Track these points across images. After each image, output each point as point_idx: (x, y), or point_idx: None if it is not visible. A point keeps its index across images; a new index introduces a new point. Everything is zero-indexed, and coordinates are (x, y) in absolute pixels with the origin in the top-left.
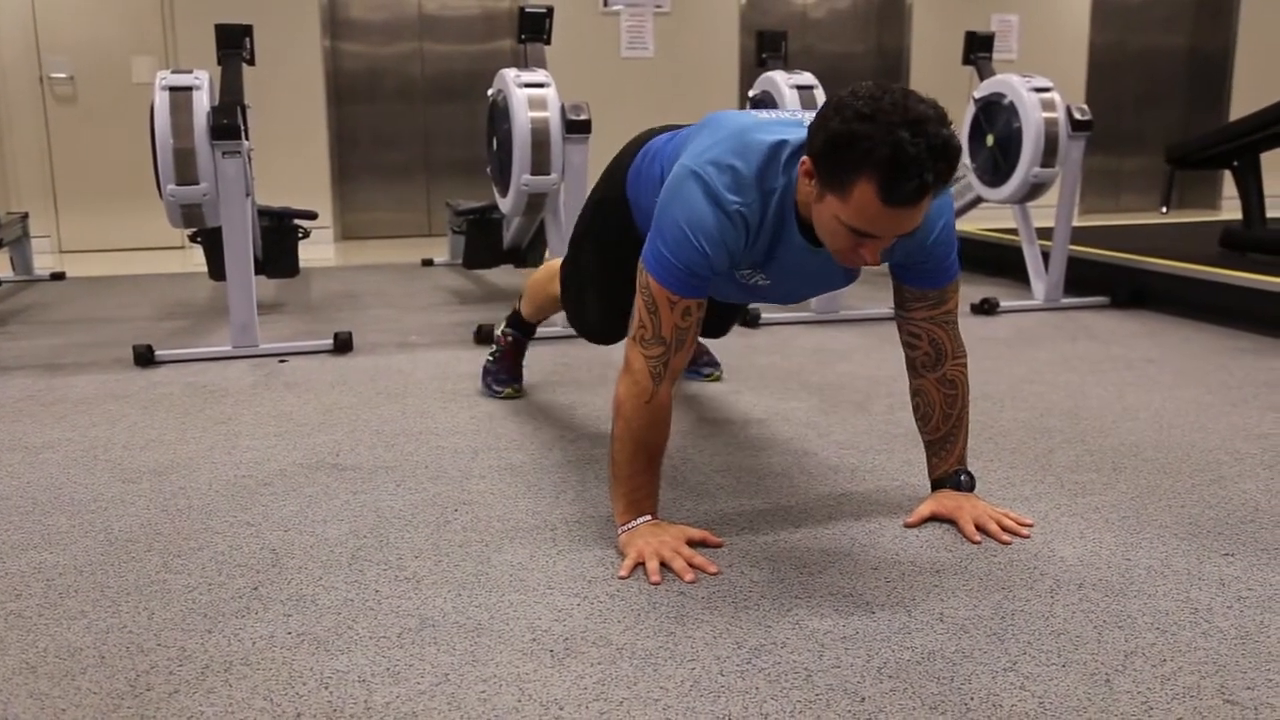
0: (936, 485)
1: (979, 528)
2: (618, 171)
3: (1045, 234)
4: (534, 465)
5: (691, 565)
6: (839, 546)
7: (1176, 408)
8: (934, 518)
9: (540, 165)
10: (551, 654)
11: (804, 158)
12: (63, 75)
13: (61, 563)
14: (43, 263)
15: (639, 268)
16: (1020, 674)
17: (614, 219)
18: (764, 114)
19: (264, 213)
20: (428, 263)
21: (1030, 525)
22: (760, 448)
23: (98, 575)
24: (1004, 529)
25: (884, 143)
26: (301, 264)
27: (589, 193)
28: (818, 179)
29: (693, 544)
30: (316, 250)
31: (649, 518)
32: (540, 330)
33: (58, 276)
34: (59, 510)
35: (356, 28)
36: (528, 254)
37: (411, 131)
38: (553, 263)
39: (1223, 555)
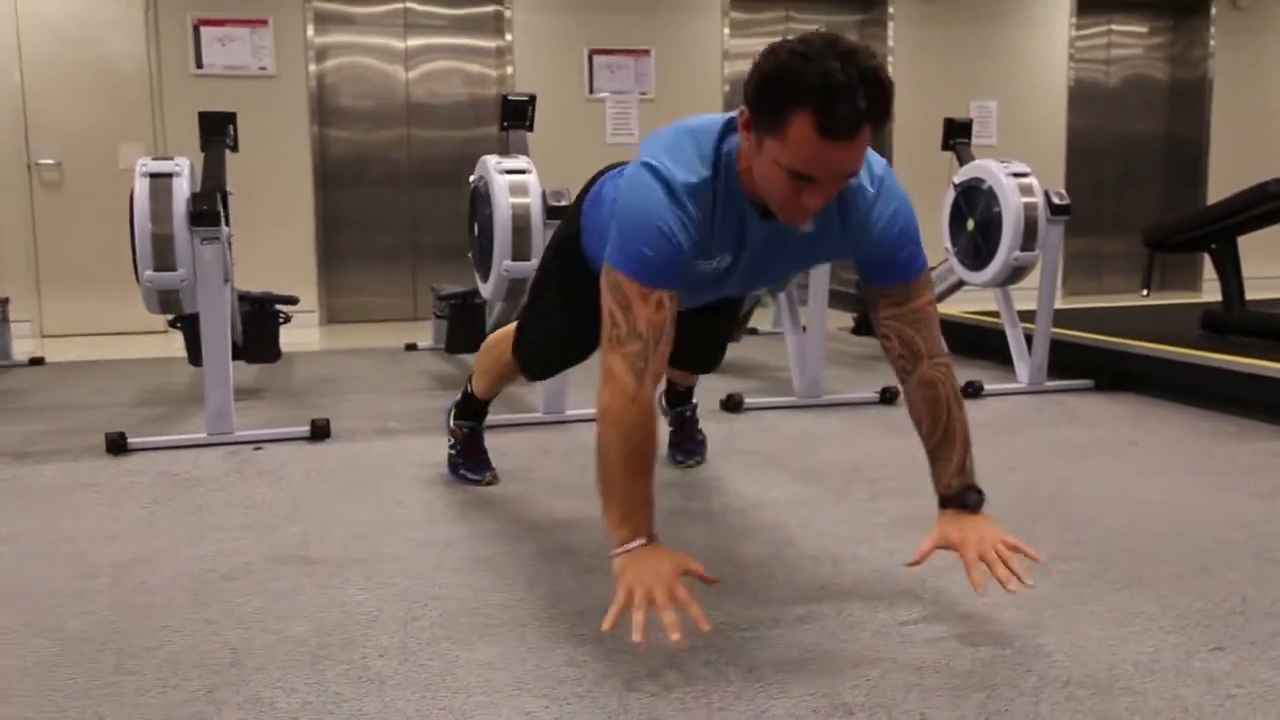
0: (943, 503)
1: (984, 561)
2: (574, 209)
3: (1027, 316)
4: (507, 557)
5: (681, 610)
6: (817, 643)
7: (1161, 494)
8: (940, 548)
9: (521, 250)
10: None
11: (740, 110)
12: (50, 161)
13: (7, 665)
14: (24, 346)
15: (604, 270)
16: None
17: (574, 258)
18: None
19: (244, 298)
20: (411, 347)
21: (1038, 560)
22: (740, 537)
23: (45, 678)
24: (1009, 568)
25: (816, 74)
26: (284, 348)
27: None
28: (755, 124)
29: (690, 576)
30: (301, 334)
31: (645, 541)
32: (518, 416)
33: (36, 362)
34: (10, 607)
35: (344, 115)
36: None
37: (398, 216)
38: (503, 332)
39: (1211, 650)
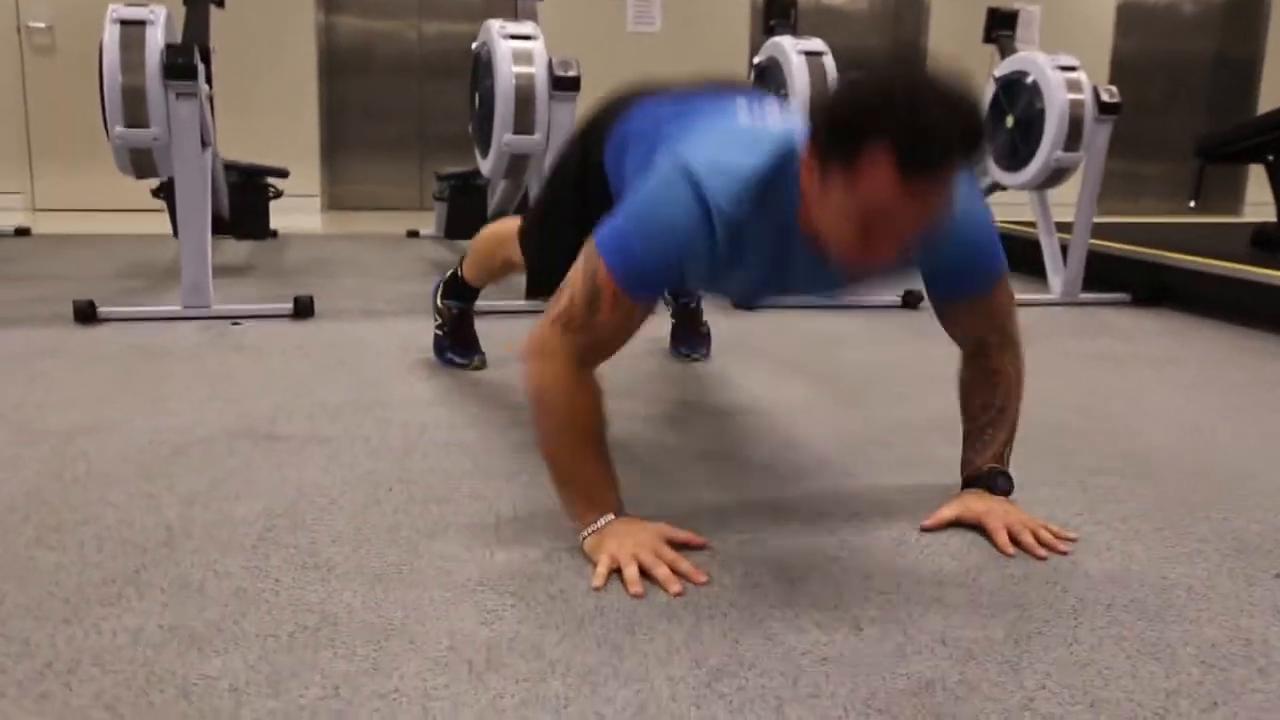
0: (967, 485)
1: (1012, 538)
2: (594, 135)
3: (1063, 229)
4: (486, 445)
5: (676, 573)
6: (826, 550)
7: (1204, 411)
8: (958, 522)
9: (524, 124)
10: (469, 666)
11: (806, 146)
12: (41, 24)
13: None
14: (12, 219)
15: (589, 244)
16: (1038, 714)
17: (594, 191)
18: (770, 111)
19: (231, 168)
20: (413, 234)
21: (1073, 539)
22: (745, 436)
23: None
24: (1041, 543)
25: (902, 105)
26: (281, 230)
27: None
28: (820, 161)
29: (674, 546)
30: (303, 219)
31: (614, 515)
32: (514, 302)
33: (22, 232)
34: None
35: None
36: None
37: (406, 105)
38: (503, 226)
39: (1276, 576)
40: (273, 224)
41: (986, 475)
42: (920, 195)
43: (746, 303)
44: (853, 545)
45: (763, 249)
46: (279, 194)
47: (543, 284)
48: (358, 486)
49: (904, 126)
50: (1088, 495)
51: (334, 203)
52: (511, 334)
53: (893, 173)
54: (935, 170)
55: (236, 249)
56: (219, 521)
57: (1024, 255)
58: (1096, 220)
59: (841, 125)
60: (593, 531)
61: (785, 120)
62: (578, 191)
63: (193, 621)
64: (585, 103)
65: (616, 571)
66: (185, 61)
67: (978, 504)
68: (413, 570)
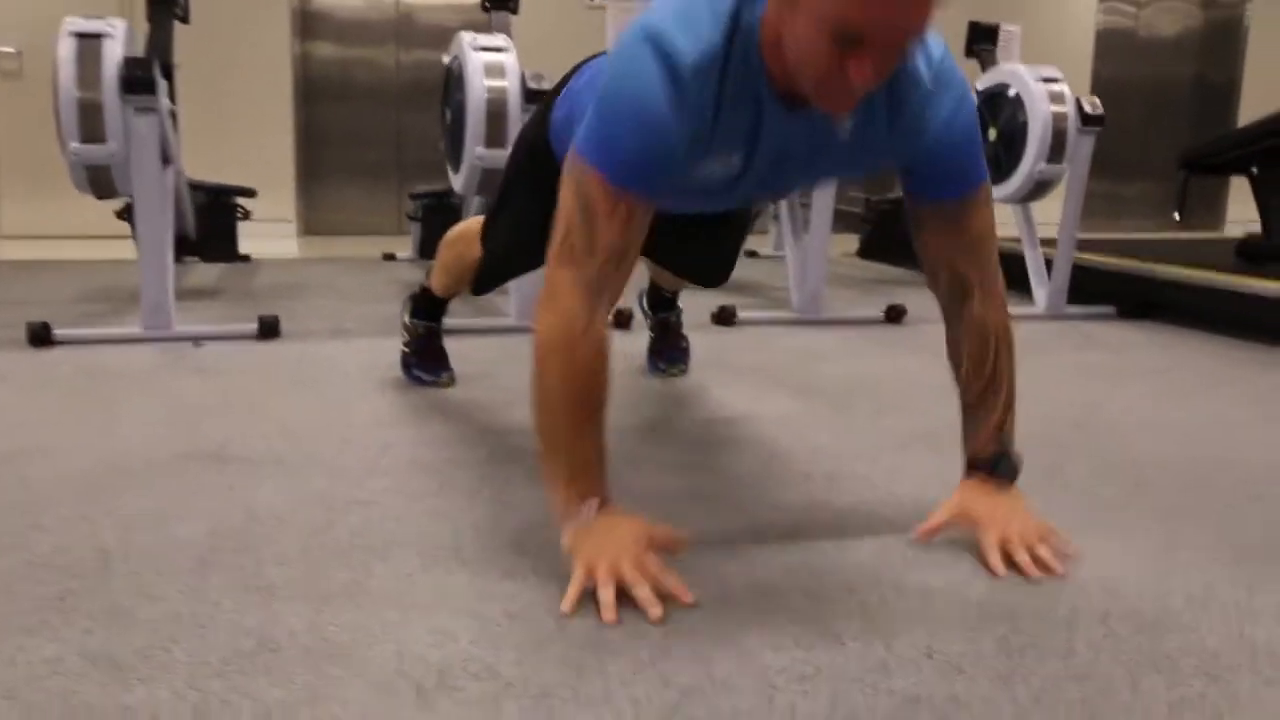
0: (969, 468)
1: (1006, 556)
2: (546, 102)
3: (1047, 245)
4: (451, 461)
5: (658, 590)
6: (805, 563)
7: (1199, 421)
8: (957, 522)
9: (495, 137)
10: (417, 689)
11: None
12: (9, 49)
13: None
14: None
15: (569, 160)
16: None
17: (546, 160)
18: None
19: (198, 188)
20: (389, 257)
21: (1071, 557)
22: (723, 448)
23: None
24: (1037, 562)
25: None
26: (256, 256)
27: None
28: None
29: (656, 547)
30: (279, 245)
31: (598, 504)
32: (486, 320)
33: None
34: None
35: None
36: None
37: (385, 131)
38: (466, 226)
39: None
40: (246, 249)
41: (990, 459)
42: None
43: (745, 202)
44: (834, 558)
45: (740, 115)
46: (247, 215)
47: (495, 275)
48: (311, 507)
49: None
50: (1080, 505)
51: (310, 228)
52: (482, 352)
53: None
54: None
55: (205, 273)
56: (158, 544)
57: (1007, 270)
58: (1080, 236)
59: None
60: (576, 523)
61: None
62: (532, 176)
63: (118, 649)
64: None
65: (591, 591)
66: (144, 75)
67: (977, 507)
68: (362, 591)
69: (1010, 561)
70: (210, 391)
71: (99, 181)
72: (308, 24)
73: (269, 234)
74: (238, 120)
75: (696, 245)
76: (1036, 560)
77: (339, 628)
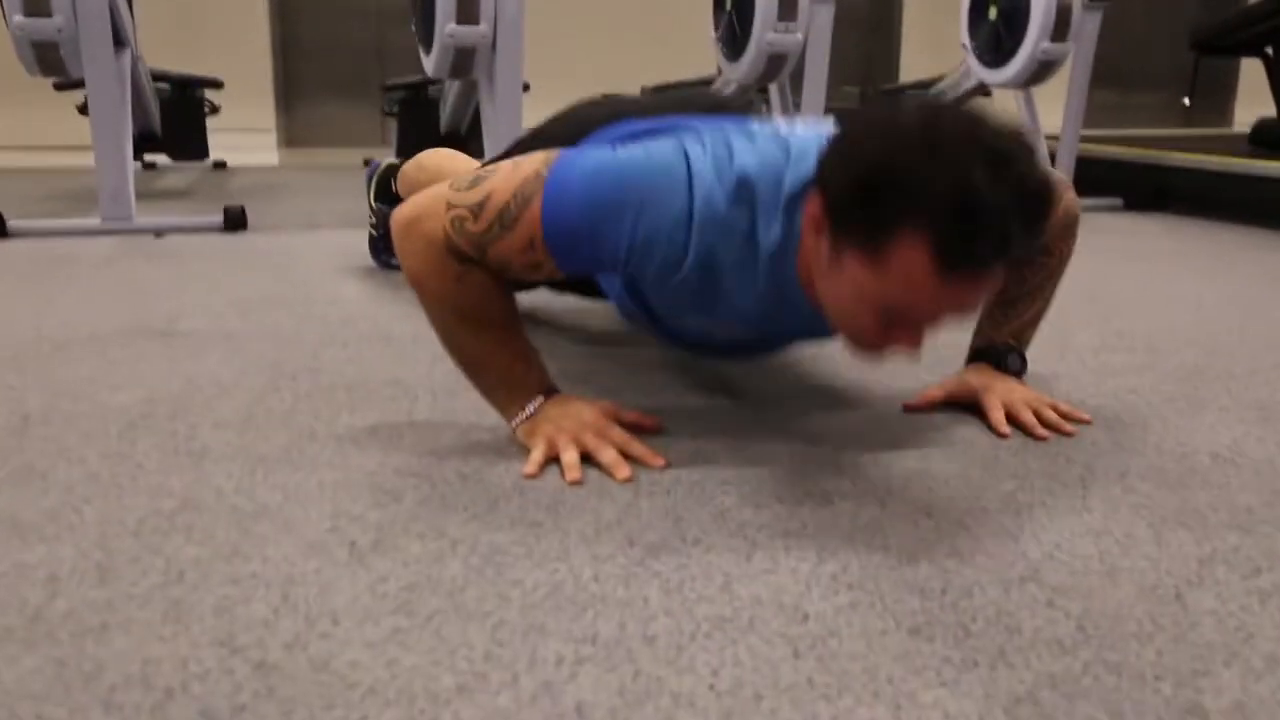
0: (973, 357)
1: (1010, 417)
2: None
3: (1050, 138)
4: (416, 336)
5: (627, 456)
6: (792, 428)
7: (1213, 296)
8: (949, 401)
9: (467, 12)
10: (351, 548)
11: (811, 198)
12: None
13: None
14: None
15: (543, 158)
16: (1045, 585)
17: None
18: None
19: (161, 79)
20: (368, 162)
21: (1086, 421)
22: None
23: None
24: (1044, 422)
25: (949, 180)
26: (230, 162)
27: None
28: (833, 232)
29: (623, 426)
30: (262, 157)
31: (544, 397)
32: None
33: None
34: None
35: None
36: (468, 140)
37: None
38: (445, 157)
39: None
40: (225, 160)
41: (997, 350)
42: (961, 289)
43: (711, 348)
44: (824, 422)
45: (745, 277)
46: (215, 109)
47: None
48: (257, 375)
49: (949, 214)
50: (1091, 371)
51: (291, 140)
52: None
53: (930, 268)
54: (984, 264)
55: (177, 177)
56: (87, 412)
57: None
58: (1085, 132)
59: (865, 199)
60: (524, 418)
61: (812, 130)
62: None
63: (23, 510)
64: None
65: (555, 460)
66: None
67: (976, 379)
68: (302, 454)
69: (1014, 422)
70: (165, 275)
71: (47, 61)
72: None
73: (249, 145)
74: (215, 33)
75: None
76: (1044, 421)
77: (272, 489)
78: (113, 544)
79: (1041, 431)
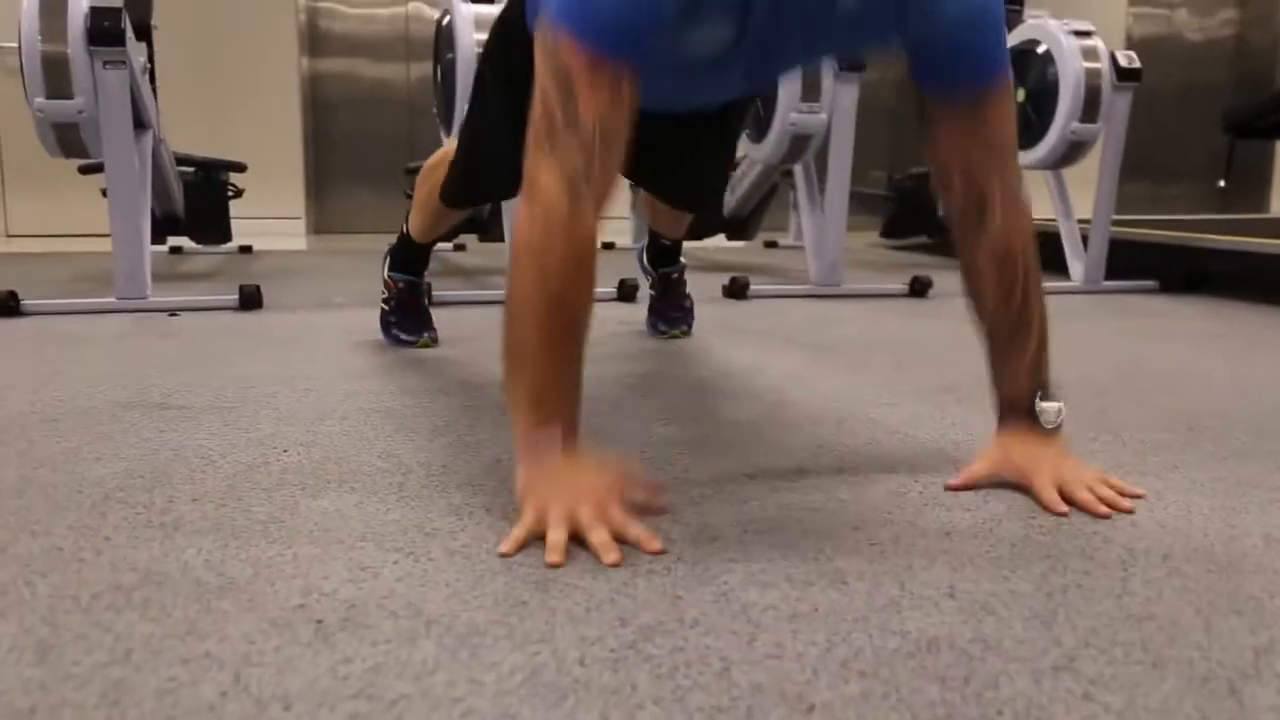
0: (1004, 415)
1: (1064, 497)
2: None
3: (1083, 223)
4: (418, 410)
5: (620, 539)
6: (805, 501)
7: (1258, 377)
8: (997, 480)
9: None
10: (317, 626)
11: None
12: (13, 44)
13: None
14: None
15: (540, 31)
16: (1081, 676)
17: (520, 44)
18: None
19: (186, 162)
20: None
21: (1141, 496)
22: (722, 398)
23: None
24: (1103, 500)
25: None
26: (258, 247)
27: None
28: None
29: (627, 500)
30: (291, 243)
31: (561, 433)
32: (480, 293)
33: None
34: None
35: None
36: (489, 222)
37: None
38: (441, 155)
39: None
40: (249, 241)
41: (1027, 402)
42: None
43: (732, 92)
44: (840, 497)
45: None
46: (240, 193)
47: (467, 179)
48: (247, 448)
49: None
50: (1129, 449)
51: (320, 226)
52: (473, 320)
53: None
54: None
55: (202, 261)
56: (64, 483)
57: (1041, 249)
58: (1116, 217)
59: None
60: (532, 458)
61: None
62: (506, 63)
63: None
64: None
65: (541, 537)
66: (112, 25)
67: (1020, 455)
68: (281, 528)
69: (1070, 501)
70: (172, 351)
71: (68, 142)
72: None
73: (278, 231)
74: (250, 128)
75: (676, 157)
76: (1101, 499)
77: (243, 562)
78: (60, 620)
79: (1103, 509)
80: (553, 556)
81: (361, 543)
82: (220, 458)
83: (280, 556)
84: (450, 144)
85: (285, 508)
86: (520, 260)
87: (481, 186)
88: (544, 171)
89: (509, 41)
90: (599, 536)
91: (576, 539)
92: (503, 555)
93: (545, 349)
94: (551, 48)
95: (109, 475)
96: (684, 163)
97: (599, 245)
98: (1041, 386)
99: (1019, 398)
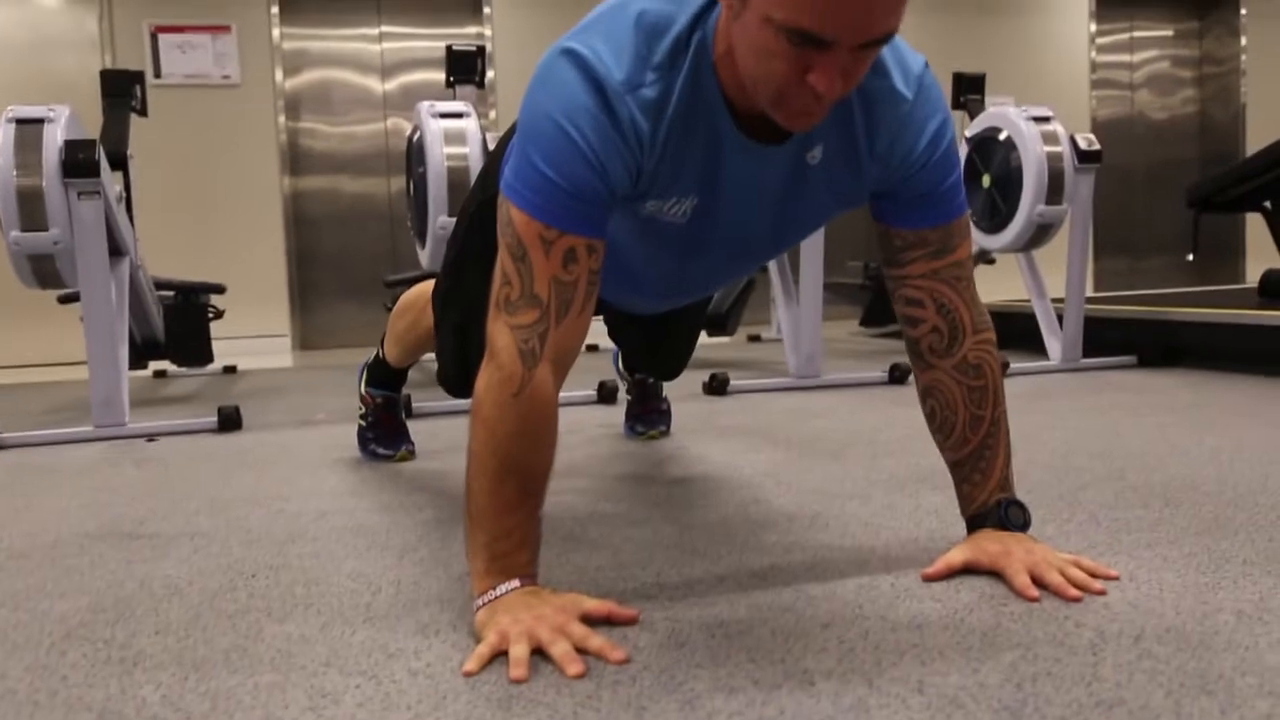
0: (974, 524)
1: (1036, 580)
2: (491, 168)
3: (1056, 303)
4: (390, 526)
5: (583, 650)
6: (775, 601)
7: (1236, 445)
8: (968, 569)
9: (457, 206)
10: None
11: None
12: None
13: None
14: None
15: (499, 201)
16: None
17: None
18: None
19: (165, 287)
20: None
21: (1114, 578)
22: (695, 497)
23: None
24: (1073, 582)
25: None
26: (243, 366)
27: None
28: None
29: (590, 621)
30: (276, 360)
31: (519, 583)
32: (462, 402)
33: None
34: None
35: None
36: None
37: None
38: (417, 292)
39: None
40: (239, 364)
41: (996, 509)
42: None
43: (705, 276)
44: (810, 594)
45: (695, 145)
46: (220, 314)
47: (458, 362)
48: (215, 576)
49: None
50: (1102, 529)
51: (306, 343)
52: (451, 431)
53: None
54: None
55: (186, 383)
56: (24, 622)
57: (1015, 332)
58: (1091, 295)
59: None
60: (487, 600)
61: None
62: (483, 237)
63: None
64: None
65: (504, 654)
66: (86, 157)
67: (993, 545)
68: (244, 657)
69: (1041, 584)
70: (147, 479)
71: (44, 274)
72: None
73: (263, 349)
74: (233, 244)
75: (657, 344)
76: (1072, 581)
77: (201, 696)
78: None
79: (1073, 592)
80: (516, 671)
81: (324, 668)
82: (187, 585)
83: (240, 687)
84: (425, 288)
85: (249, 635)
86: (475, 425)
87: (472, 360)
88: (500, 336)
89: (484, 215)
90: (560, 649)
91: (540, 654)
92: (467, 674)
93: (500, 505)
94: (506, 216)
95: (71, 611)
96: (663, 346)
97: (556, 406)
98: (1010, 497)
99: (988, 509)
